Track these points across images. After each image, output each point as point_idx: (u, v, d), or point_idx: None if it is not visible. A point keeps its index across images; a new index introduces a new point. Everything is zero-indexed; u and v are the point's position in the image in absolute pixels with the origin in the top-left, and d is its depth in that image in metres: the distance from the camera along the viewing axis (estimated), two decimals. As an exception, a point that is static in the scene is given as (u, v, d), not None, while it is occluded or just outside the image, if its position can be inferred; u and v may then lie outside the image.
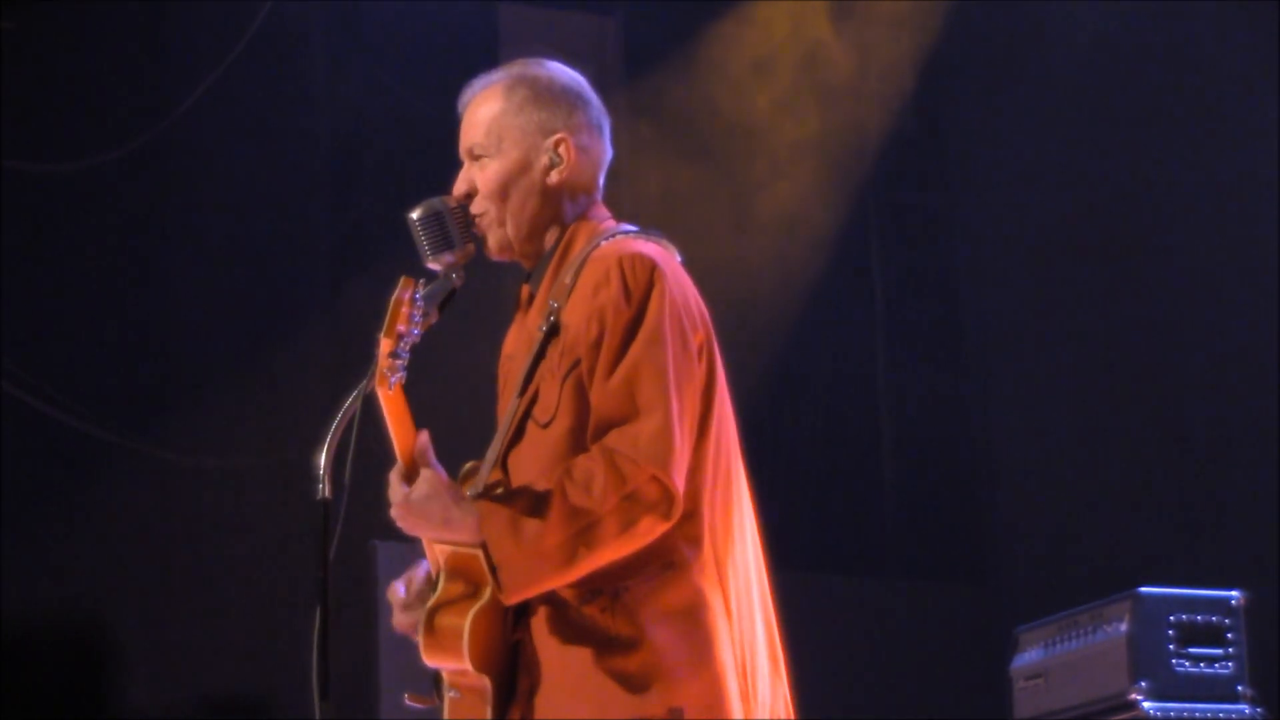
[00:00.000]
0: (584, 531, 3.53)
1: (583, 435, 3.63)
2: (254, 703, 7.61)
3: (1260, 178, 8.13)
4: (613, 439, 3.58)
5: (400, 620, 3.76)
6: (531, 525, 3.53)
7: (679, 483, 3.58)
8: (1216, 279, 8.39)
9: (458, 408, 5.30)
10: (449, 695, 3.67)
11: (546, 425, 3.66)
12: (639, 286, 3.65)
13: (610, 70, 8.79)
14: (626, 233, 3.79)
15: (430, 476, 3.57)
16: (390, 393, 3.55)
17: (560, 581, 3.58)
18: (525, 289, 3.85)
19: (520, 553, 3.53)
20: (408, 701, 3.83)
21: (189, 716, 7.63)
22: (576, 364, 3.64)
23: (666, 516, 3.58)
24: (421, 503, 3.56)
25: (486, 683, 3.62)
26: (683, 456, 3.60)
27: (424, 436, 3.58)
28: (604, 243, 3.75)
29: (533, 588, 3.57)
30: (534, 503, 3.55)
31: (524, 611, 3.65)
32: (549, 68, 3.87)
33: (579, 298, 3.67)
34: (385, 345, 3.50)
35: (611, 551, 3.58)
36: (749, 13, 8.87)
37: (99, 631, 7.54)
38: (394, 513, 3.60)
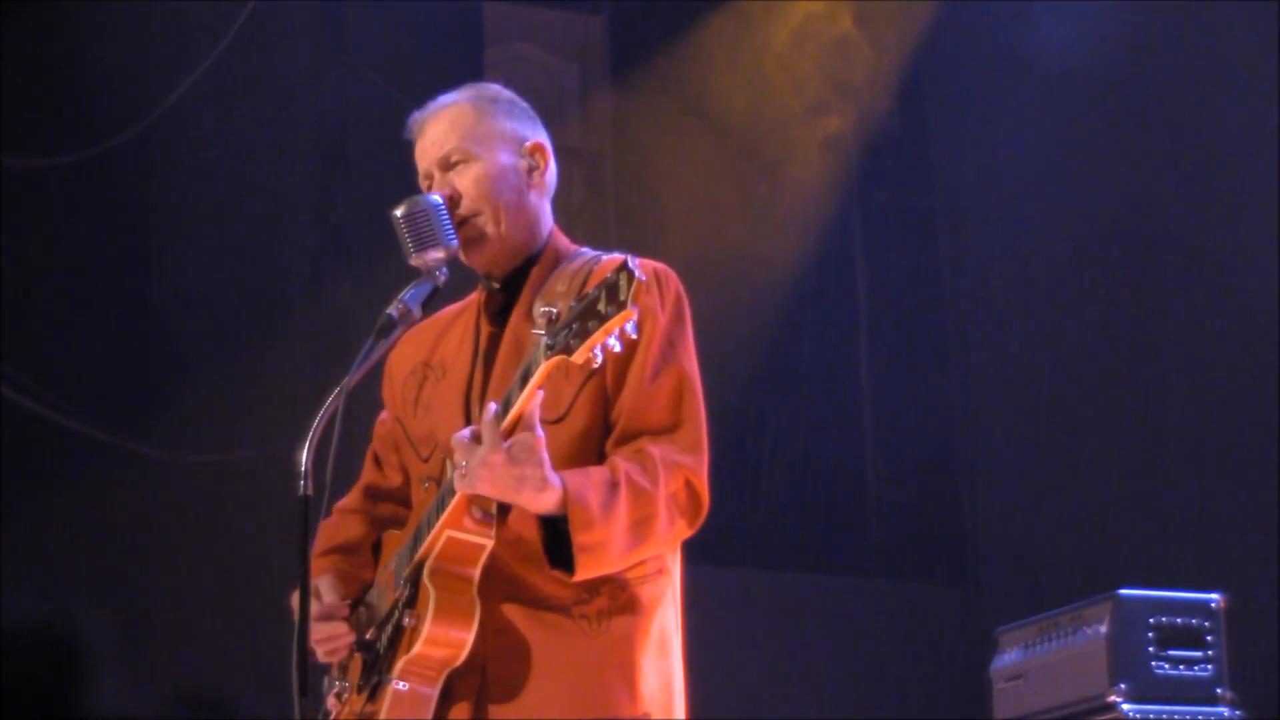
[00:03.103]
0: (645, 521, 3.55)
1: (596, 434, 3.66)
2: (234, 698, 7.61)
3: (1253, 179, 8.13)
4: (650, 443, 3.61)
5: (329, 630, 3.73)
6: (610, 504, 3.51)
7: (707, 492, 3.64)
8: (1204, 281, 8.39)
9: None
10: (394, 687, 3.59)
11: (556, 422, 3.64)
12: (672, 298, 3.72)
13: (595, 68, 8.78)
14: (618, 252, 3.81)
15: (533, 438, 3.44)
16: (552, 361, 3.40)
17: (619, 566, 3.58)
18: (484, 293, 3.85)
19: (603, 530, 3.49)
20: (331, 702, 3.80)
21: (171, 712, 7.62)
22: (599, 367, 3.63)
23: (693, 524, 3.65)
24: (521, 461, 3.43)
25: (445, 675, 3.60)
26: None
27: (539, 399, 3.47)
28: (605, 257, 3.77)
29: (601, 568, 3.55)
30: (607, 482, 3.53)
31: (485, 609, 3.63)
32: (505, 90, 3.92)
33: None
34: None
35: (658, 545, 3.62)
36: (735, 10, 8.87)
37: (80, 627, 7.52)
38: (486, 465, 3.43)
